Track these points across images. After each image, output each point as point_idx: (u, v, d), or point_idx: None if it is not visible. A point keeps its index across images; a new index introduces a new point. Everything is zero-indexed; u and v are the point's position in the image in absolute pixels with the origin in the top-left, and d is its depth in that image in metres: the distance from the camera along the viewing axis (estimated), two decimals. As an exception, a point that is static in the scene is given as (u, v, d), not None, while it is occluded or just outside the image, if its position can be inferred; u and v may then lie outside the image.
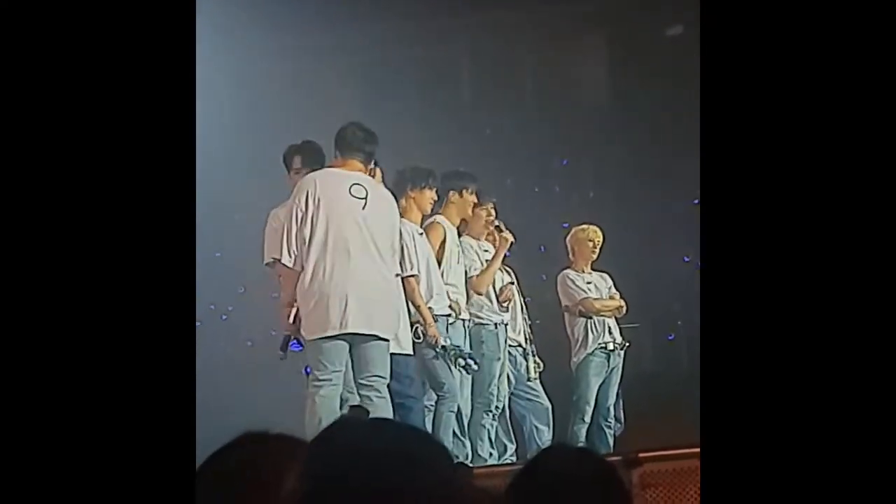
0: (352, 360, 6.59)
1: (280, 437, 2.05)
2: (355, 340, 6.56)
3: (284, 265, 6.60)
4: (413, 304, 7.42)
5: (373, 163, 6.89)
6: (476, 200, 7.99)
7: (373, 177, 6.93)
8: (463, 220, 8.18)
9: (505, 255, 8.36)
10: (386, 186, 7.32)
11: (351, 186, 6.71)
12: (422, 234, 7.75)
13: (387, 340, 6.68)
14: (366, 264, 6.62)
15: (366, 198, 6.71)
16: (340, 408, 6.52)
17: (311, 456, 1.68)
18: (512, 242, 8.29)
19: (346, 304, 6.49)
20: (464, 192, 8.03)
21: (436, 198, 7.82)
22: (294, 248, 6.58)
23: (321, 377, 6.49)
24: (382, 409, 6.42)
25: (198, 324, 10.29)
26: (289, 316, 6.58)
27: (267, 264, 7.03)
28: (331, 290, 6.51)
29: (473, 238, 8.38)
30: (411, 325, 7.32)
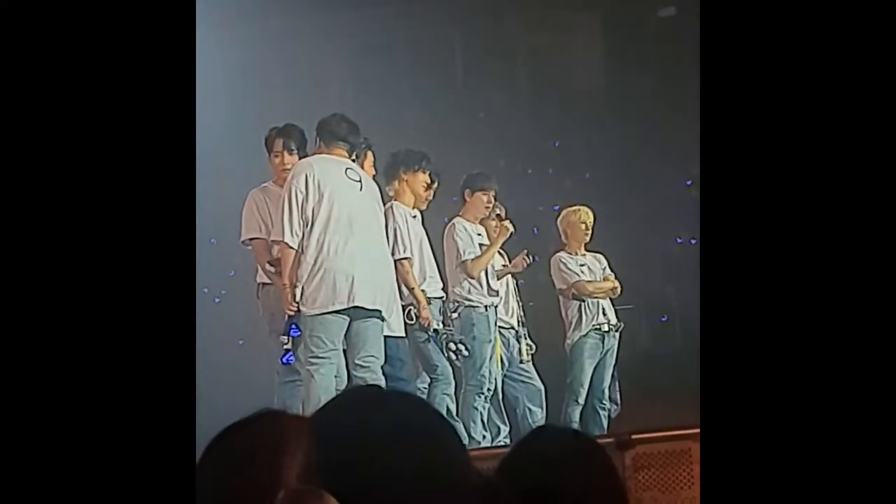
0: (347, 341, 6.62)
1: (294, 417, 2.05)
2: (357, 316, 6.61)
3: (287, 244, 6.64)
4: (406, 286, 7.42)
5: (354, 154, 6.96)
6: (429, 180, 7.88)
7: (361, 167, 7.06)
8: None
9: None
10: (376, 171, 7.36)
11: (346, 170, 6.80)
12: (415, 216, 7.74)
13: (383, 320, 6.72)
14: (369, 242, 6.75)
15: (360, 181, 6.82)
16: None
17: (319, 427, 1.68)
18: (511, 233, 8.27)
19: (353, 280, 6.57)
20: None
21: (429, 181, 7.81)
22: (297, 228, 6.63)
23: (321, 354, 6.52)
24: None
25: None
26: (293, 295, 6.60)
27: (243, 242, 7.11)
28: (337, 265, 6.59)
29: (469, 221, 8.37)
30: (403, 308, 7.32)
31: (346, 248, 6.62)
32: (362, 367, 6.59)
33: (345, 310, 6.57)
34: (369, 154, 7.29)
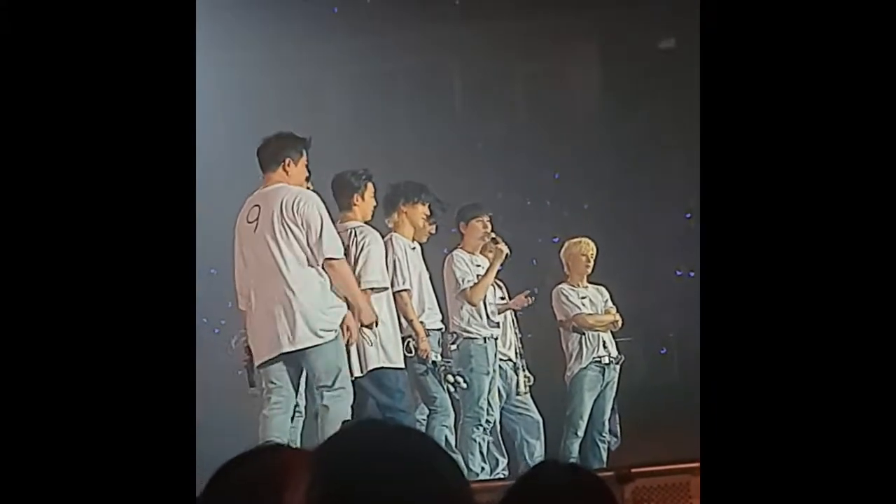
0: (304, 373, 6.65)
1: (295, 451, 2.04)
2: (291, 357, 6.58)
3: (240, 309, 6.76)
4: (405, 318, 7.42)
5: (287, 162, 6.69)
6: (428, 212, 7.88)
7: (286, 173, 6.71)
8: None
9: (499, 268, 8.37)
10: (376, 201, 7.34)
11: (249, 213, 6.68)
12: (414, 248, 7.74)
13: (317, 345, 6.56)
14: (268, 285, 6.58)
15: (257, 219, 6.63)
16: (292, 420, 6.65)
17: (319, 462, 1.67)
18: (507, 255, 8.30)
19: (274, 323, 6.52)
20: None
21: (428, 213, 7.81)
22: (239, 290, 6.73)
23: (273, 399, 6.57)
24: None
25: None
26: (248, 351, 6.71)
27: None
28: (258, 317, 6.60)
29: (467, 252, 8.39)
30: (403, 340, 7.31)
31: (258, 299, 6.60)
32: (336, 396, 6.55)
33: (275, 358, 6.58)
34: (369, 185, 7.29)
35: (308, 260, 6.54)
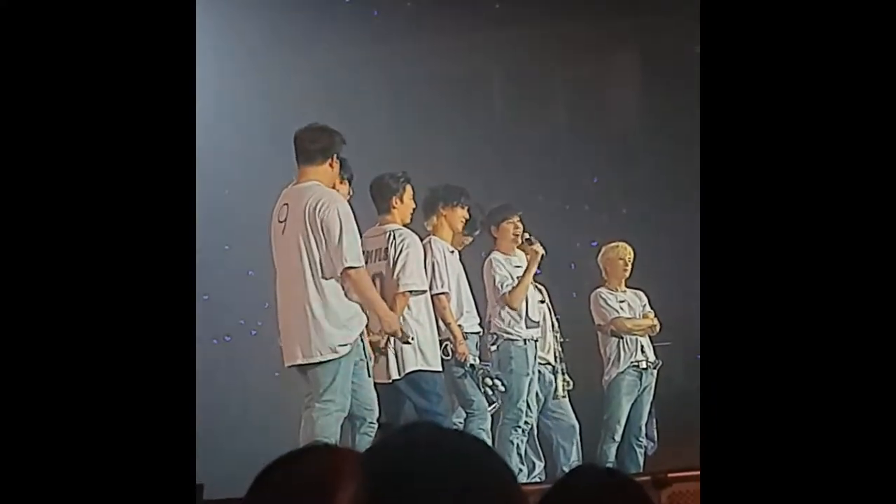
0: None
1: (345, 451, 2.04)
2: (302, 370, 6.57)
3: None
4: (443, 321, 7.43)
5: (334, 158, 6.63)
6: (467, 216, 7.89)
7: (332, 168, 6.65)
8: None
9: (536, 271, 8.36)
10: (416, 204, 7.33)
11: (279, 212, 6.64)
12: (453, 251, 7.75)
13: (330, 360, 6.50)
14: (287, 290, 6.56)
15: (285, 220, 6.59)
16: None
17: (370, 462, 1.66)
18: (543, 255, 8.29)
19: (292, 332, 6.53)
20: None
21: (467, 216, 7.82)
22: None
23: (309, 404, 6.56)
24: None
25: (227, 339, 10.23)
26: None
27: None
28: (283, 320, 6.61)
29: (503, 253, 8.38)
30: (440, 343, 7.32)
31: (281, 304, 6.62)
32: (321, 409, 6.49)
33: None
34: (408, 188, 7.30)
35: (325, 269, 6.45)
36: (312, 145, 6.62)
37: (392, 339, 6.93)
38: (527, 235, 8.35)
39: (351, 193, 7.03)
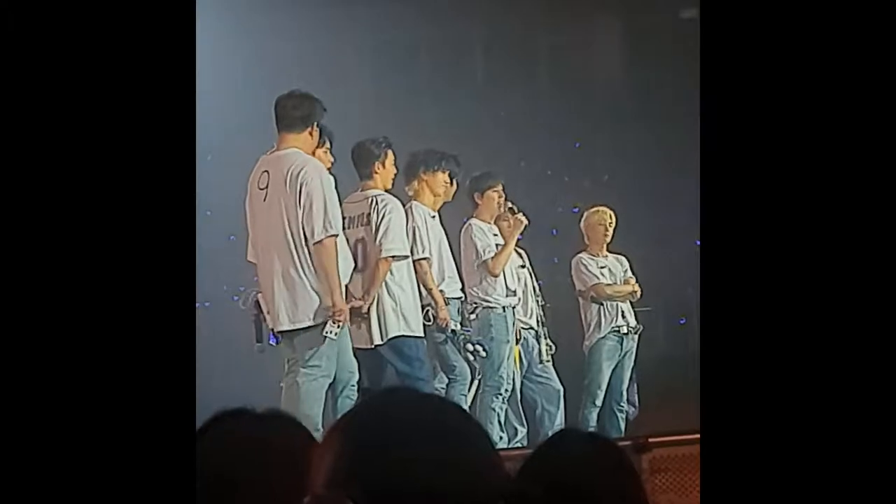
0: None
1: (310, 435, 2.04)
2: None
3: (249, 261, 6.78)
4: (424, 286, 7.43)
5: (314, 125, 6.60)
6: (448, 180, 7.87)
7: (311, 137, 6.63)
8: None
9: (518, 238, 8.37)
10: (397, 169, 7.32)
11: (259, 178, 6.60)
12: (434, 216, 7.74)
13: (302, 329, 6.52)
14: (268, 257, 6.55)
15: (266, 187, 6.56)
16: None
17: (349, 428, 1.65)
18: (526, 225, 8.29)
19: (275, 297, 6.50)
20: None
21: (448, 181, 7.81)
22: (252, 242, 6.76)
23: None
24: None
25: (207, 304, 10.17)
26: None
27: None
28: (264, 291, 6.59)
29: (484, 221, 8.38)
30: (422, 308, 7.32)
31: (261, 271, 6.62)
32: (308, 374, 6.50)
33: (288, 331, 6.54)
34: (389, 153, 7.28)
35: (307, 236, 6.44)
36: (294, 112, 6.60)
37: (376, 302, 6.96)
38: (510, 205, 8.35)
39: (333, 161, 7.03)
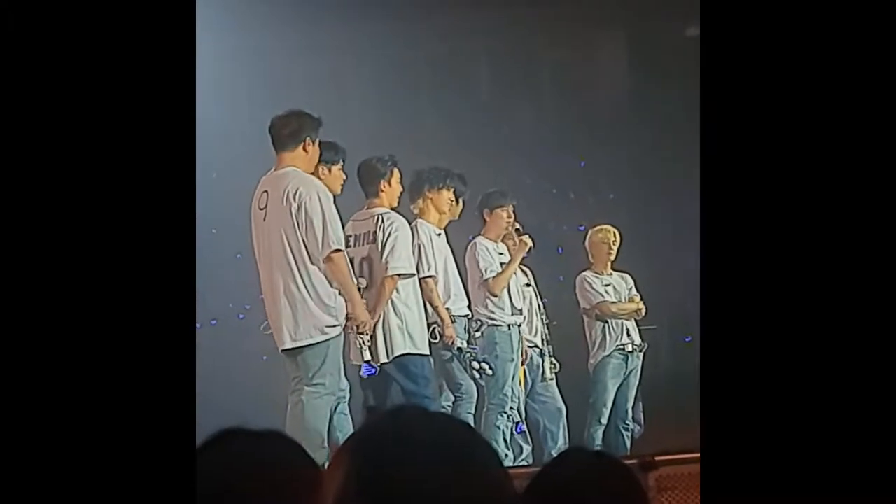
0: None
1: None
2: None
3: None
4: (430, 304, 7.42)
5: (307, 141, 6.60)
6: (453, 198, 7.88)
7: (306, 153, 6.63)
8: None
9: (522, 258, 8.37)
10: (403, 187, 7.32)
11: (259, 199, 6.62)
12: (440, 234, 7.75)
13: (301, 347, 6.51)
14: (270, 276, 6.54)
15: (266, 206, 6.58)
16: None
17: (359, 447, 1.65)
18: (531, 247, 8.29)
19: (280, 316, 6.49)
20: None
21: (453, 198, 7.82)
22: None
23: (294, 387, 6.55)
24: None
25: (213, 322, 10.18)
26: None
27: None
28: (269, 305, 6.58)
29: (490, 240, 8.38)
30: (428, 326, 7.31)
31: (265, 288, 6.61)
32: (312, 392, 6.48)
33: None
34: (395, 171, 7.29)
35: (309, 254, 6.44)
36: (283, 130, 6.64)
37: (382, 320, 6.96)
38: (517, 226, 8.36)
39: (345, 178, 7.05)
